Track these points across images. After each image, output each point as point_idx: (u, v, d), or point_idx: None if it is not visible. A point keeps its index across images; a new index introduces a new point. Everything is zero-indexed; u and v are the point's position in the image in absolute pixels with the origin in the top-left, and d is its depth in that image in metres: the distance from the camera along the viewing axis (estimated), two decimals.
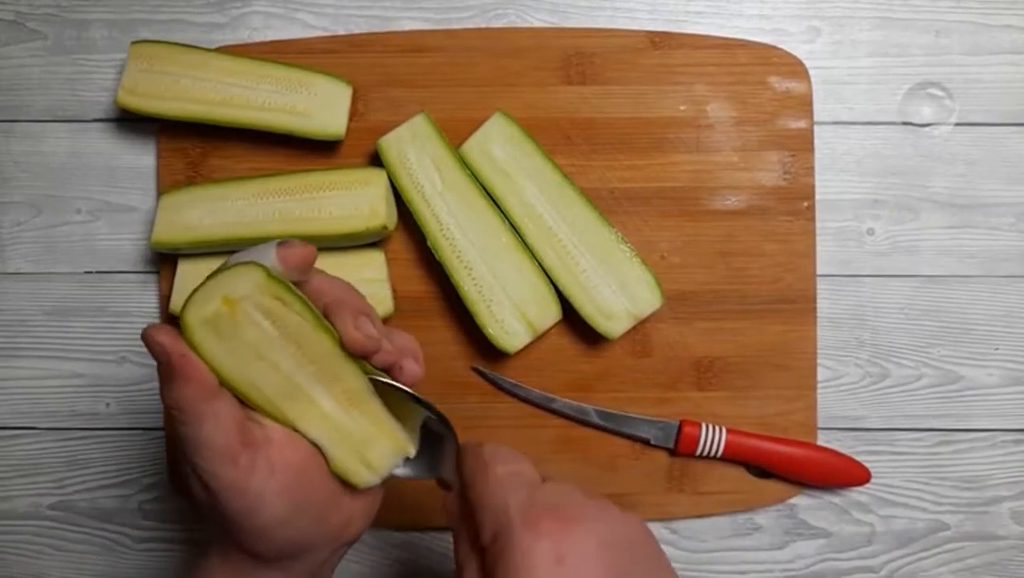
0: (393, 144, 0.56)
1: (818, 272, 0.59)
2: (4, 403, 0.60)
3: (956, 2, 0.60)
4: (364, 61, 0.58)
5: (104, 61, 0.60)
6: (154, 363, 0.34)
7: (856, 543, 0.59)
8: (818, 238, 0.59)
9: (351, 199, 0.54)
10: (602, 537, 0.33)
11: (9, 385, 0.60)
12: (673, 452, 0.58)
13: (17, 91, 0.60)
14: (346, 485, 0.38)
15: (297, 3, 0.60)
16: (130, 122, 0.60)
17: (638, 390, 0.58)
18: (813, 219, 0.58)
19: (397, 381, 0.38)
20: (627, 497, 0.58)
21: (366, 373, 0.37)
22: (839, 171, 0.60)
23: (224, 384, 0.35)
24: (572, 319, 0.56)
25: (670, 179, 0.58)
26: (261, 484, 0.35)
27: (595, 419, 0.57)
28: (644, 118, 0.58)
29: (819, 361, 0.59)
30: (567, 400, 0.58)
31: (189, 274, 0.56)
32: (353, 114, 0.57)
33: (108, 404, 0.60)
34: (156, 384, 0.38)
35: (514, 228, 0.55)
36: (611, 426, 0.57)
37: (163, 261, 0.58)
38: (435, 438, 0.39)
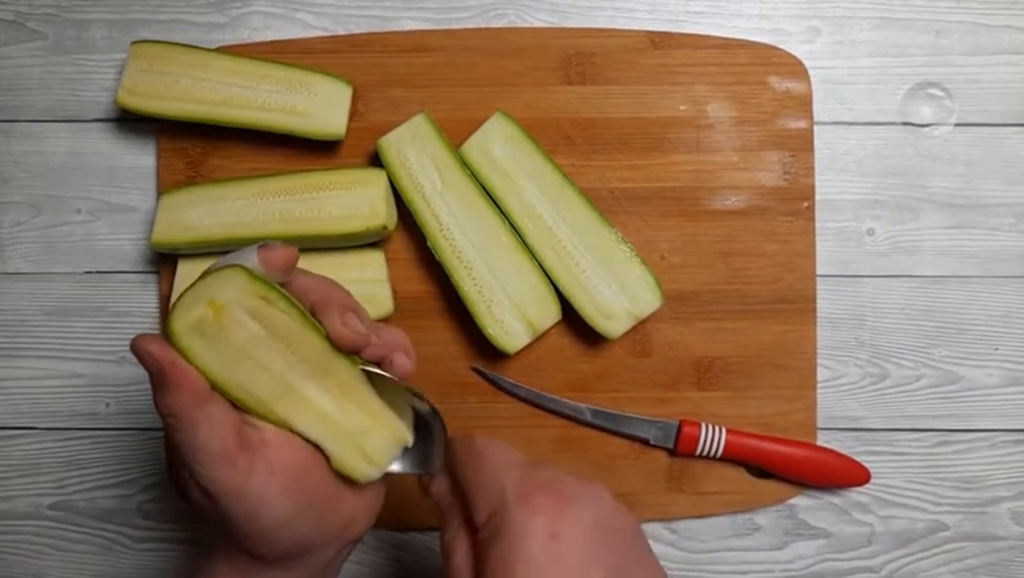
0: (393, 144, 0.56)
1: (818, 272, 0.59)
2: (4, 403, 0.60)
3: (956, 2, 0.60)
4: (364, 61, 0.58)
5: (104, 61, 0.60)
6: None
7: (856, 543, 0.59)
8: (818, 238, 0.59)
9: (351, 199, 0.54)
10: (596, 518, 0.33)
11: (9, 385, 0.60)
12: (673, 452, 0.58)
13: (17, 91, 0.60)
14: (347, 483, 0.38)
15: (297, 3, 0.60)
16: (130, 122, 0.60)
17: (638, 390, 0.58)
18: (813, 219, 0.58)
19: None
20: (627, 497, 0.58)
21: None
22: (839, 171, 0.60)
23: (216, 388, 0.35)
24: (572, 319, 0.56)
25: (670, 179, 0.58)
26: (261, 486, 0.34)
27: (594, 419, 0.57)
28: (644, 118, 0.58)
29: (819, 361, 0.59)
30: (567, 400, 0.58)
31: (189, 274, 0.56)
32: (353, 114, 0.57)
33: (108, 404, 0.60)
34: None
35: (514, 228, 0.55)
36: (611, 426, 0.57)
37: (163, 261, 0.58)
38: (425, 433, 0.39)
